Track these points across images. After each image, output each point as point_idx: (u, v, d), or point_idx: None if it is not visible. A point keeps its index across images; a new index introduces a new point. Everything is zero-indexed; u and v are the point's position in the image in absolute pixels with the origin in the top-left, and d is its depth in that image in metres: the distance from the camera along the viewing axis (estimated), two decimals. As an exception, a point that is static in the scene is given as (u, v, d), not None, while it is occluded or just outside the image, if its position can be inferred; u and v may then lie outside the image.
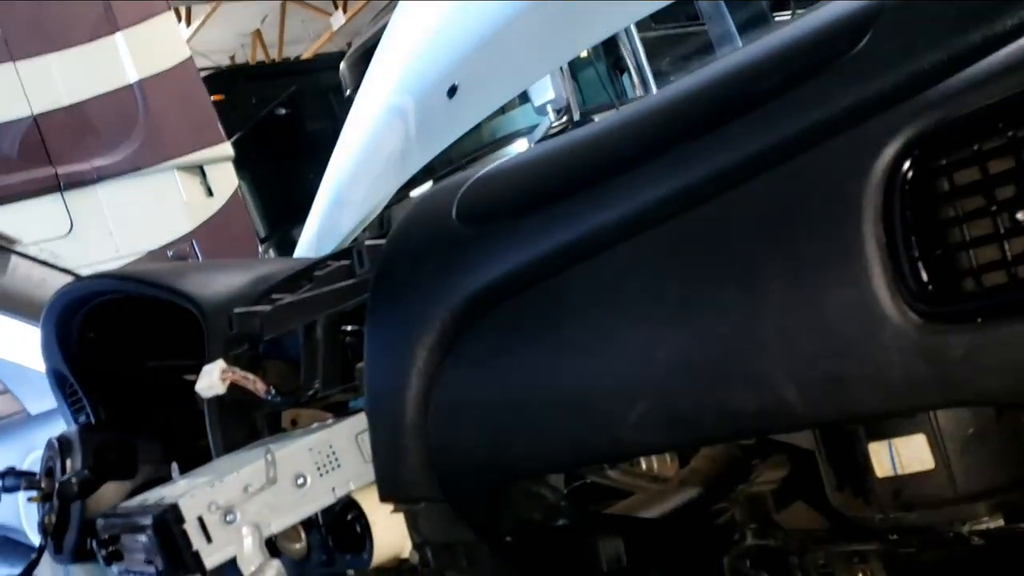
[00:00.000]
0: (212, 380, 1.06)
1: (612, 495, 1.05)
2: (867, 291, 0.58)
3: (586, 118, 4.88)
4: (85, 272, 4.16)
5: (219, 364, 1.07)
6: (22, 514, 1.90)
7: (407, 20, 1.92)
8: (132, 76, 5.05)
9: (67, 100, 4.82)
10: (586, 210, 0.75)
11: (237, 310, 1.15)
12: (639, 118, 0.77)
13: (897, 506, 0.85)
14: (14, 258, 1.55)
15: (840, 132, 0.61)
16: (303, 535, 0.96)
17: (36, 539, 1.94)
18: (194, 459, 1.33)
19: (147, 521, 0.83)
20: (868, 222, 0.58)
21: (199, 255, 5.14)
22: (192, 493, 0.83)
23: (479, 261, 0.83)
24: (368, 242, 0.97)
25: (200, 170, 5.30)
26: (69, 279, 1.64)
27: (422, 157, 1.61)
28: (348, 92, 7.57)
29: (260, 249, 5.90)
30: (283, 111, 9.07)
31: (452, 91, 1.57)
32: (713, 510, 1.00)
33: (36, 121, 4.69)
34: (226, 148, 5.44)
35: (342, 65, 7.66)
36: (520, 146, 5.33)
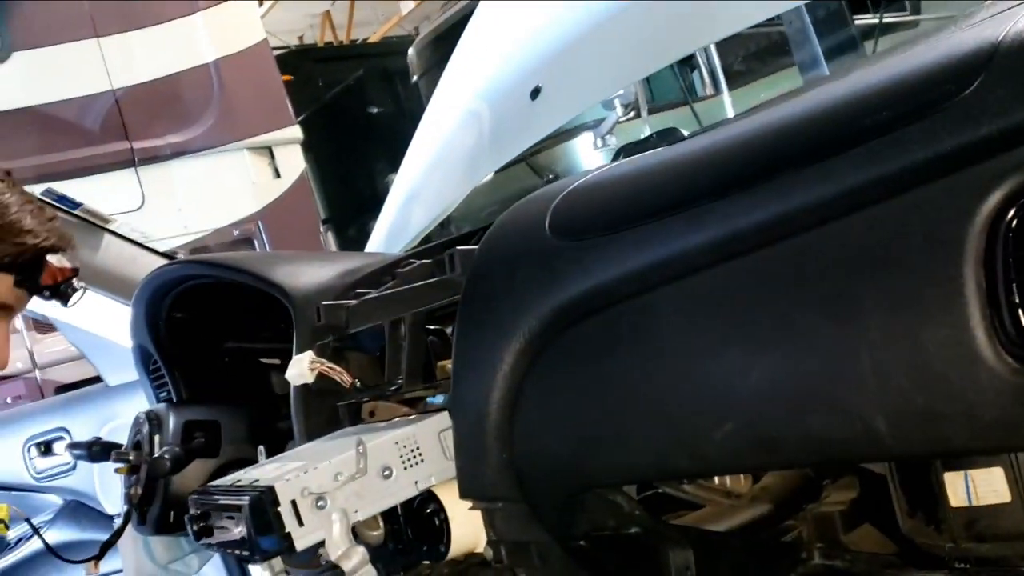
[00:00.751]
0: (302, 369, 1.10)
1: (682, 506, 1.08)
2: (965, 332, 0.60)
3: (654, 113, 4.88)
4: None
5: (309, 355, 1.11)
6: (96, 482, 1.98)
7: (490, 17, 1.95)
8: (209, 55, 5.17)
9: (146, 77, 4.95)
10: (682, 231, 0.77)
11: (325, 303, 1.19)
12: (740, 143, 0.79)
13: (969, 537, 0.87)
14: (107, 236, 1.61)
15: (946, 174, 0.62)
16: (381, 523, 0.99)
17: (108, 506, 2.02)
18: (272, 441, 1.38)
19: (244, 502, 0.87)
20: (969, 265, 0.60)
21: (264, 235, 5.25)
22: (287, 477, 0.87)
23: (570, 274, 0.86)
24: (460, 248, 0.99)
25: (269, 151, 5.41)
26: (158, 259, 1.70)
27: (500, 158, 1.63)
28: (415, 78, 7.64)
29: (321, 229, 5.99)
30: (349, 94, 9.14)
31: (535, 93, 1.59)
32: (781, 527, 1.02)
33: (116, 96, 4.83)
34: (295, 131, 5.55)
35: (410, 51, 7.71)
36: (585, 139, 5.33)
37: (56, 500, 2.13)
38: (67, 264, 1.17)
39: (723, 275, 0.75)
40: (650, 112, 4.90)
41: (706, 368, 0.75)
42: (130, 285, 1.66)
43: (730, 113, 4.48)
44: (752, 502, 1.03)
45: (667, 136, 1.30)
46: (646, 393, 0.79)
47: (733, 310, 0.74)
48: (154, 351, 1.51)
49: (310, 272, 1.28)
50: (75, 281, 1.19)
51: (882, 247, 0.65)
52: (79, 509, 2.07)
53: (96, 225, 1.59)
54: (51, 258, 1.15)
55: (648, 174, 0.88)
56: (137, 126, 4.88)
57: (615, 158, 1.42)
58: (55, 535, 2.06)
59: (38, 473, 2.08)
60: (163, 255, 1.70)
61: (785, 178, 0.71)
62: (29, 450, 2.08)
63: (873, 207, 0.66)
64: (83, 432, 2.03)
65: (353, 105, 8.98)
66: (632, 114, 4.72)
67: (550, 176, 5.82)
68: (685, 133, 1.28)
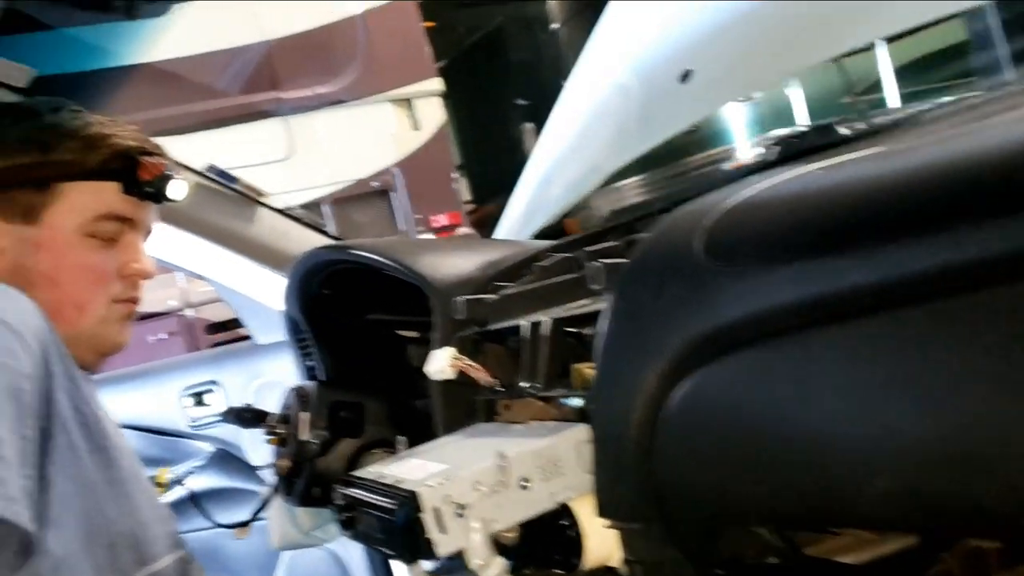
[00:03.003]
0: (442, 365, 1.12)
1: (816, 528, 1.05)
2: None
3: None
4: (300, 199, 4.42)
5: (450, 351, 1.13)
6: (243, 435, 2.08)
7: (634, -2, 1.89)
8: (357, 7, 5.25)
9: (297, 28, 5.08)
10: (852, 268, 0.73)
11: (465, 297, 1.21)
12: (930, 171, 0.74)
13: None
14: (260, 209, 1.67)
15: None
16: (517, 528, 1.01)
17: (253, 458, 2.13)
18: (409, 421, 1.42)
19: (389, 505, 0.90)
20: None
21: (400, 186, 5.36)
22: (429, 483, 0.89)
23: (723, 299, 0.84)
24: (605, 260, 0.98)
25: (409, 103, 5.49)
26: (307, 231, 1.76)
27: (644, 143, 1.60)
28: (554, 25, 7.56)
29: (454, 175, 6.06)
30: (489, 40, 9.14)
31: (686, 76, 1.54)
32: (927, 562, 0.98)
33: (268, 47, 4.98)
34: (436, 83, 5.61)
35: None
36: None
37: (206, 447, 2.26)
38: (160, 162, 1.22)
39: (895, 321, 0.71)
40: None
41: (864, 417, 0.72)
42: (280, 256, 1.74)
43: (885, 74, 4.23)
44: (897, 535, 0.99)
45: (824, 134, 1.23)
46: (795, 434, 0.77)
47: (900, 358, 0.70)
48: (303, 323, 1.57)
49: (451, 263, 1.30)
50: (170, 173, 1.22)
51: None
52: (226, 458, 2.20)
53: (251, 199, 1.66)
54: (144, 160, 1.20)
55: (815, 199, 0.84)
56: (286, 77, 5.03)
57: (770, 149, 1.36)
58: (204, 481, 2.20)
59: (191, 421, 2.22)
60: (315, 228, 1.76)
61: (981, 220, 0.66)
62: (185, 399, 2.21)
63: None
64: (233, 385, 2.15)
65: (492, 51, 8.98)
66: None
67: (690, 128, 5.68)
68: (842, 131, 1.21)
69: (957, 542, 0.98)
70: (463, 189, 7.44)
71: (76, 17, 4.29)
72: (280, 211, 1.69)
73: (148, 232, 1.27)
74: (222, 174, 1.60)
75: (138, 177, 1.18)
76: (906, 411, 0.69)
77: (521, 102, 7.58)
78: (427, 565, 0.97)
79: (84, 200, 1.16)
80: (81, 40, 4.33)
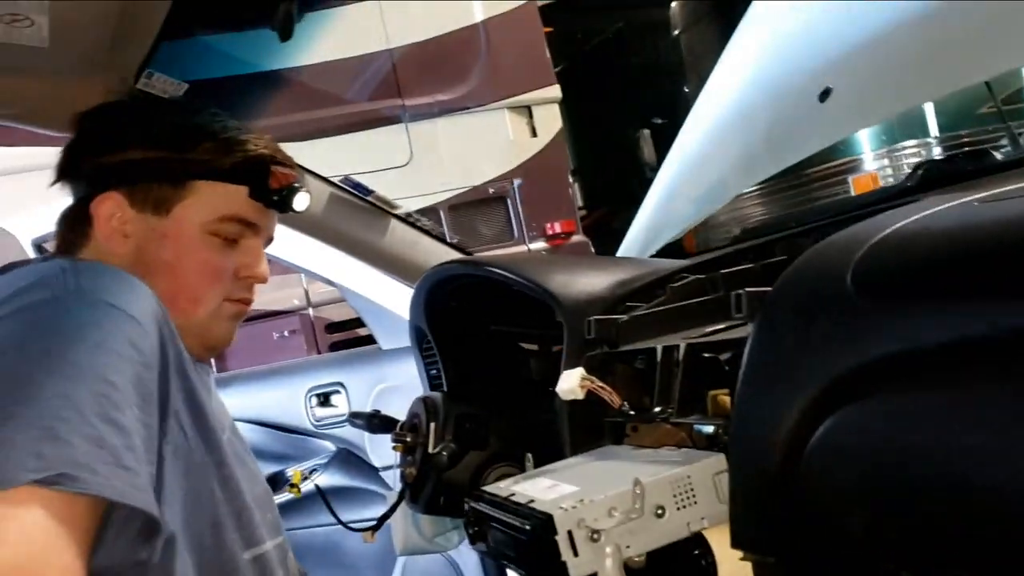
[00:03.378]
0: (572, 385, 1.13)
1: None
2: None
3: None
4: (418, 204, 4.50)
5: (580, 372, 1.13)
6: (366, 437, 2.14)
7: (774, 5, 1.85)
8: (479, 15, 5.32)
9: (420, 36, 5.19)
10: (1013, 313, 0.71)
11: (596, 317, 1.21)
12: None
13: None
14: (393, 221, 1.72)
15: None
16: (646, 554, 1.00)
17: (375, 459, 2.18)
18: (534, 435, 1.43)
19: (524, 525, 0.91)
20: None
21: (516, 193, 5.40)
22: (563, 506, 0.90)
23: (873, 335, 0.81)
24: (749, 290, 0.97)
25: (528, 110, 5.52)
26: (436, 244, 1.79)
27: (778, 163, 1.56)
28: (676, 32, 7.48)
29: (570, 180, 6.06)
30: (608, 46, 9.10)
31: (825, 94, 1.50)
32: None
33: (391, 55, 5.10)
34: (555, 90, 5.62)
35: (673, 4, 7.55)
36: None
37: (329, 447, 2.33)
38: (290, 172, 1.25)
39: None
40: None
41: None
42: (409, 266, 1.78)
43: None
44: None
45: (978, 160, 1.18)
46: (950, 481, 0.74)
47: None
48: (429, 334, 1.60)
49: (582, 281, 1.30)
50: (297, 185, 1.25)
51: None
52: (349, 458, 2.26)
53: (384, 211, 1.70)
54: (275, 168, 1.23)
55: (976, 234, 0.81)
56: (409, 84, 5.13)
57: (912, 174, 1.32)
58: (326, 479, 2.27)
59: (316, 421, 2.29)
60: (443, 241, 1.79)
61: None
62: (310, 399, 2.29)
63: None
64: (358, 389, 2.21)
65: (611, 57, 8.95)
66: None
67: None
68: (998, 157, 1.16)
69: None
70: (576, 195, 7.43)
71: (224, 27, 4.49)
72: (410, 223, 1.73)
73: (270, 239, 1.30)
74: (357, 186, 1.65)
75: (267, 184, 1.22)
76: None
77: (657, 121, 7.52)
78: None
79: (213, 199, 1.20)
80: (216, 48, 4.52)
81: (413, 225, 1.73)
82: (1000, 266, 0.75)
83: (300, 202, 1.26)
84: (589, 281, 1.31)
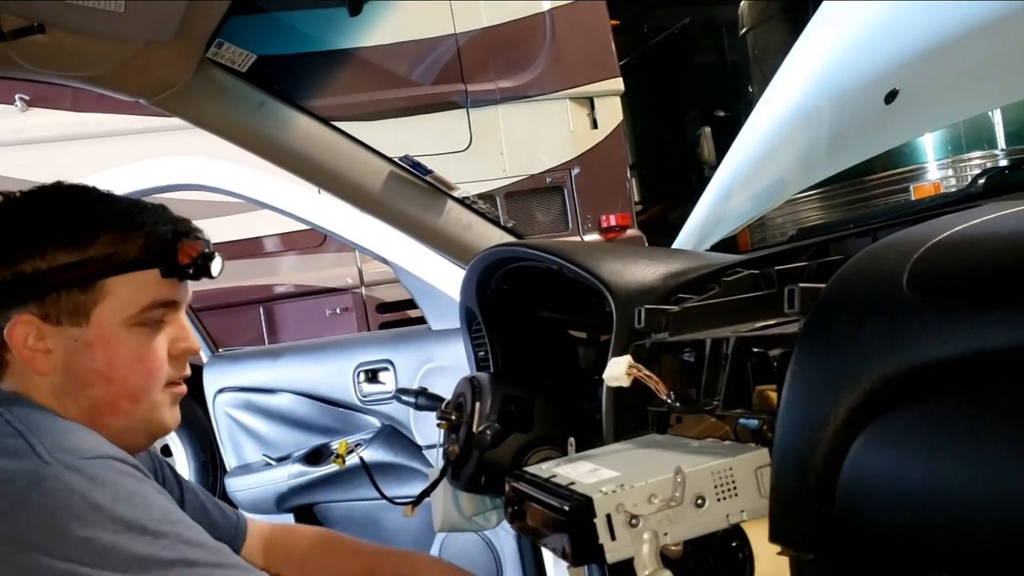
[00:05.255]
0: (618, 373, 1.13)
1: None
2: None
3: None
4: (475, 190, 4.52)
5: (627, 359, 1.14)
6: (411, 415, 2.16)
7: (845, 5, 1.83)
8: (545, 3, 5.31)
9: (486, 22, 5.19)
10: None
11: (647, 306, 1.21)
12: None
13: None
14: (449, 202, 1.73)
15: None
16: (683, 542, 1.00)
17: (418, 438, 2.21)
18: (577, 421, 1.43)
19: (564, 506, 0.91)
20: None
21: (573, 184, 5.39)
22: (603, 490, 0.90)
23: (928, 337, 0.80)
24: (803, 285, 0.96)
25: (590, 102, 5.50)
26: (490, 227, 1.80)
27: (839, 163, 1.54)
28: (743, 31, 7.39)
29: (628, 174, 6.03)
30: (673, 41, 9.01)
31: (891, 96, 1.48)
32: None
33: (456, 40, 5.11)
34: (618, 83, 5.59)
35: (743, 2, 7.45)
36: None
37: (375, 422, 2.36)
38: (196, 241, 1.20)
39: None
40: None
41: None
42: (462, 248, 1.79)
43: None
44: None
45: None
46: (1001, 487, 0.73)
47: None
48: (479, 315, 1.62)
49: (634, 271, 1.30)
50: (208, 251, 1.20)
51: None
52: (393, 435, 2.29)
53: (441, 191, 1.72)
54: (182, 244, 1.18)
55: (1032, 242, 0.80)
56: (473, 70, 5.15)
57: (974, 182, 1.29)
58: (370, 454, 2.30)
59: (363, 396, 2.32)
60: (497, 224, 1.80)
61: None
62: (358, 375, 2.32)
63: None
64: (405, 367, 2.23)
65: (675, 53, 8.87)
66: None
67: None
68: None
69: None
70: (634, 189, 7.39)
71: (295, 3, 4.54)
72: (466, 204, 1.74)
73: (187, 304, 1.24)
74: (416, 165, 1.67)
75: (178, 261, 1.16)
76: None
77: (720, 114, 7.44)
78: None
79: (128, 292, 1.14)
80: (287, 24, 4.58)
81: (469, 207, 1.75)
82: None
83: (215, 268, 1.20)
84: (641, 271, 1.31)
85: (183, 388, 1.21)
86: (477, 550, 2.16)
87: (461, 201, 1.73)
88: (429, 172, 1.68)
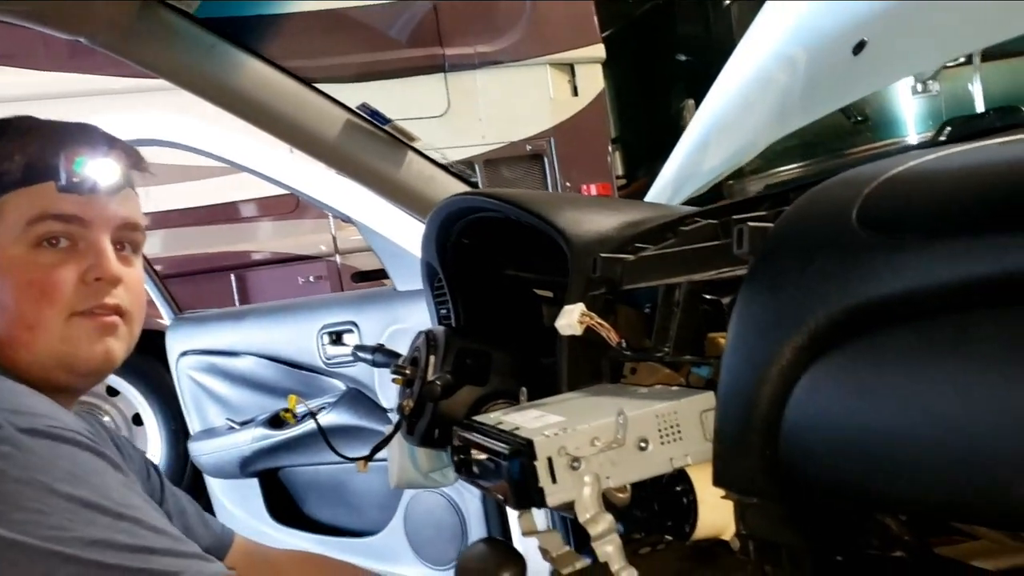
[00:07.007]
0: (571, 321, 1.10)
1: (951, 531, 0.98)
2: None
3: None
4: (453, 156, 4.48)
5: (580, 307, 1.11)
6: (375, 377, 2.14)
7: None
8: (526, -33, 5.25)
9: (464, -16, 5.13)
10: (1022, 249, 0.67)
11: (602, 255, 1.18)
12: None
13: None
14: (410, 154, 1.69)
15: None
16: (629, 487, 0.98)
17: (383, 400, 2.18)
18: (534, 377, 1.41)
19: (502, 449, 0.89)
20: None
21: (553, 152, 5.34)
22: (546, 433, 0.88)
23: (876, 273, 0.78)
24: (751, 223, 0.93)
25: (570, 68, 5.45)
26: (453, 181, 1.76)
27: (809, 114, 1.52)
28: (727, 1, 7.33)
29: (610, 149, 5.99)
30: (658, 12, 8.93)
31: (859, 47, 1.45)
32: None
33: (434, 2, 5.05)
34: (599, 50, 5.54)
35: (727, -27, 7.37)
36: (904, 82, 4.86)
37: (340, 385, 2.33)
38: (83, 149, 1.10)
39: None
40: (984, 59, 4.36)
41: (1017, 410, 0.66)
42: (425, 202, 1.75)
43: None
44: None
45: (1007, 116, 1.13)
46: (942, 424, 0.71)
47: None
48: (440, 271, 1.58)
49: (593, 220, 1.28)
50: (93, 155, 1.11)
51: None
52: (358, 397, 2.26)
53: (402, 142, 1.68)
54: (69, 150, 1.09)
55: (988, 174, 0.77)
56: (451, 33, 5.08)
57: (941, 127, 1.27)
58: (334, 417, 2.27)
59: (327, 359, 2.29)
60: (459, 178, 1.76)
61: None
62: (322, 337, 2.29)
63: None
64: (370, 328, 2.20)
65: (660, 25, 8.79)
66: (962, 59, 4.23)
67: (859, 117, 5.41)
68: (1028, 113, 1.11)
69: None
70: (617, 163, 7.35)
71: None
72: (428, 157, 1.70)
73: (119, 228, 1.13)
74: (374, 114, 1.63)
75: (64, 169, 1.07)
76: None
77: (681, 58, 7.37)
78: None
79: (21, 211, 1.07)
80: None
81: (431, 160, 1.71)
82: (1014, 202, 0.71)
83: (105, 172, 1.10)
84: (599, 220, 1.28)
85: (107, 319, 1.09)
86: (442, 511, 2.15)
87: (423, 153, 1.69)
88: (388, 121, 1.64)
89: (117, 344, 1.11)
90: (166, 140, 2.32)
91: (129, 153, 1.16)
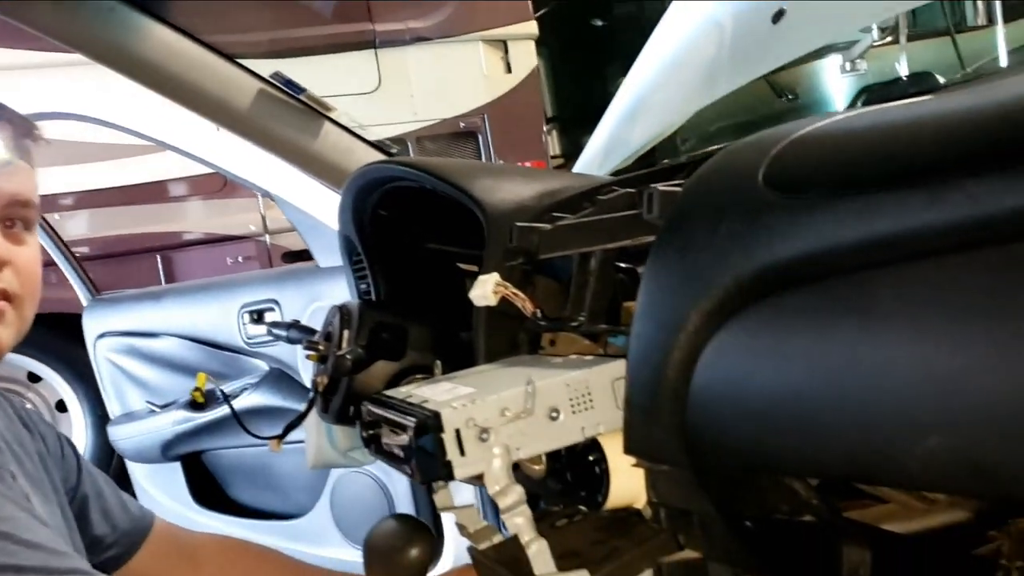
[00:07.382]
0: (485, 291, 1.08)
1: (863, 495, 0.98)
2: None
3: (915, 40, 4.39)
4: (384, 133, 4.41)
5: (494, 277, 1.09)
6: (298, 357, 2.09)
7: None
8: (455, -57, 5.18)
9: (394, -41, 5.04)
10: (922, 206, 0.66)
11: (518, 224, 1.16)
12: (1008, 109, 0.66)
13: None
14: (327, 124, 1.64)
15: None
16: (544, 459, 0.97)
17: (307, 380, 2.14)
18: (453, 351, 1.38)
19: (409, 422, 0.86)
20: None
21: (488, 130, 5.30)
22: (454, 405, 0.86)
23: (781, 234, 0.77)
24: (660, 187, 0.92)
25: (503, 45, 5.40)
26: (372, 152, 1.72)
27: (732, 81, 1.51)
28: (661, -19, 7.34)
29: (545, 129, 5.97)
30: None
31: (778, 16, 1.45)
32: (977, 538, 0.91)
33: (364, -22, 4.96)
34: (532, 26, 5.50)
35: (658, -48, 7.38)
36: (833, 61, 4.94)
37: (263, 366, 2.28)
38: None
39: (962, 265, 0.64)
40: (910, 39, 4.43)
41: (916, 369, 0.65)
42: (343, 174, 1.70)
43: (1003, 52, 4.01)
44: (948, 507, 0.92)
45: (920, 82, 1.14)
46: (843, 384, 0.70)
47: (967, 308, 0.63)
48: (358, 244, 1.55)
49: (509, 189, 1.25)
50: None
51: None
52: (280, 377, 2.21)
53: (318, 112, 1.63)
54: None
55: (891, 132, 0.76)
56: (380, 8, 5.00)
57: (858, 95, 1.27)
58: (257, 398, 2.22)
59: (249, 338, 2.23)
60: (379, 148, 1.72)
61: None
62: (243, 316, 2.23)
63: None
64: (292, 306, 2.15)
65: (595, 2, 8.77)
66: (889, 39, 4.29)
67: (789, 96, 5.46)
68: (942, 80, 1.11)
69: (1011, 520, 0.90)
70: (553, 143, 7.34)
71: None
72: (345, 128, 1.65)
73: (6, 204, 1.06)
74: (288, 83, 1.57)
75: None
76: (973, 365, 0.62)
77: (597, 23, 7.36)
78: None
79: None
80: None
81: (349, 130, 1.66)
82: (912, 159, 0.70)
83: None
84: (516, 188, 1.25)
85: None
86: (369, 492, 2.11)
87: (340, 124, 1.64)
88: (303, 91, 1.58)
89: (4, 331, 1.04)
90: (80, 114, 2.23)
91: (17, 123, 1.08)
